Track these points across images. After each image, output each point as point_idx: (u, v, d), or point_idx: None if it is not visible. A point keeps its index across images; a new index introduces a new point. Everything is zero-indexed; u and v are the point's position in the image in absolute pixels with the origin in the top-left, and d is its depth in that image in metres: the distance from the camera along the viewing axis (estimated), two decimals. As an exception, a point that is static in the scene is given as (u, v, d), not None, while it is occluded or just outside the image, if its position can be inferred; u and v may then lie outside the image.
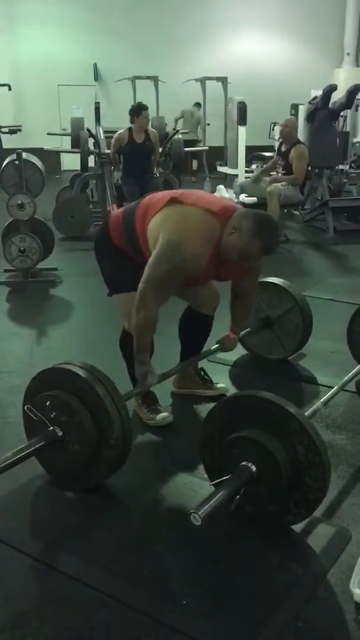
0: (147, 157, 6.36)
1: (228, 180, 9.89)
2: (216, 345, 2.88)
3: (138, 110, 6.19)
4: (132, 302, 2.49)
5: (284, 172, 6.53)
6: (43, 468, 2.28)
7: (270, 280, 3.35)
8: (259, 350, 3.47)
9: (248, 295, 2.76)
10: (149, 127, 6.46)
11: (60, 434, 2.11)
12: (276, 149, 6.76)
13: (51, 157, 9.91)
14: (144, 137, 6.26)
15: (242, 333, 3.03)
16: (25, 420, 2.25)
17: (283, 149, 6.56)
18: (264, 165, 7.51)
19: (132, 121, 6.21)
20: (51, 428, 2.11)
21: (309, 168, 8.14)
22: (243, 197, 6.90)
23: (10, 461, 1.99)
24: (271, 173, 6.73)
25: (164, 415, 2.74)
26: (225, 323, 2.88)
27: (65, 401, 2.10)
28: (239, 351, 3.59)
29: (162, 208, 2.44)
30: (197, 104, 12.88)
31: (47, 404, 2.13)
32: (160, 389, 2.81)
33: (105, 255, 2.73)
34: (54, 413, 2.11)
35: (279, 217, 6.32)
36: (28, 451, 2.07)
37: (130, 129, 6.24)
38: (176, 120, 12.35)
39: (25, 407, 2.19)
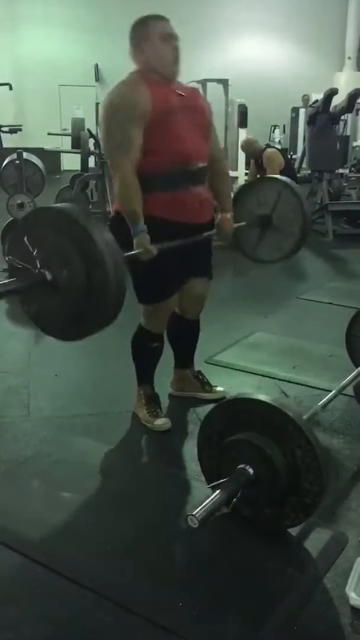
0: None
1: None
2: (214, 230, 2.73)
3: None
4: (152, 310, 2.61)
5: None
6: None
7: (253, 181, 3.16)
8: (273, 257, 3.22)
9: (218, 161, 2.78)
10: None
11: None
12: (253, 164, 6.86)
13: (51, 157, 9.90)
14: None
15: (236, 225, 2.84)
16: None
17: (260, 162, 6.64)
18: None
19: None
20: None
21: (310, 171, 8.20)
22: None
23: None
24: None
25: (162, 421, 2.72)
26: (225, 324, 2.87)
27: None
28: (240, 354, 3.62)
29: None
30: None
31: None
32: (158, 391, 2.81)
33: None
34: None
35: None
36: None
37: None
38: None
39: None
